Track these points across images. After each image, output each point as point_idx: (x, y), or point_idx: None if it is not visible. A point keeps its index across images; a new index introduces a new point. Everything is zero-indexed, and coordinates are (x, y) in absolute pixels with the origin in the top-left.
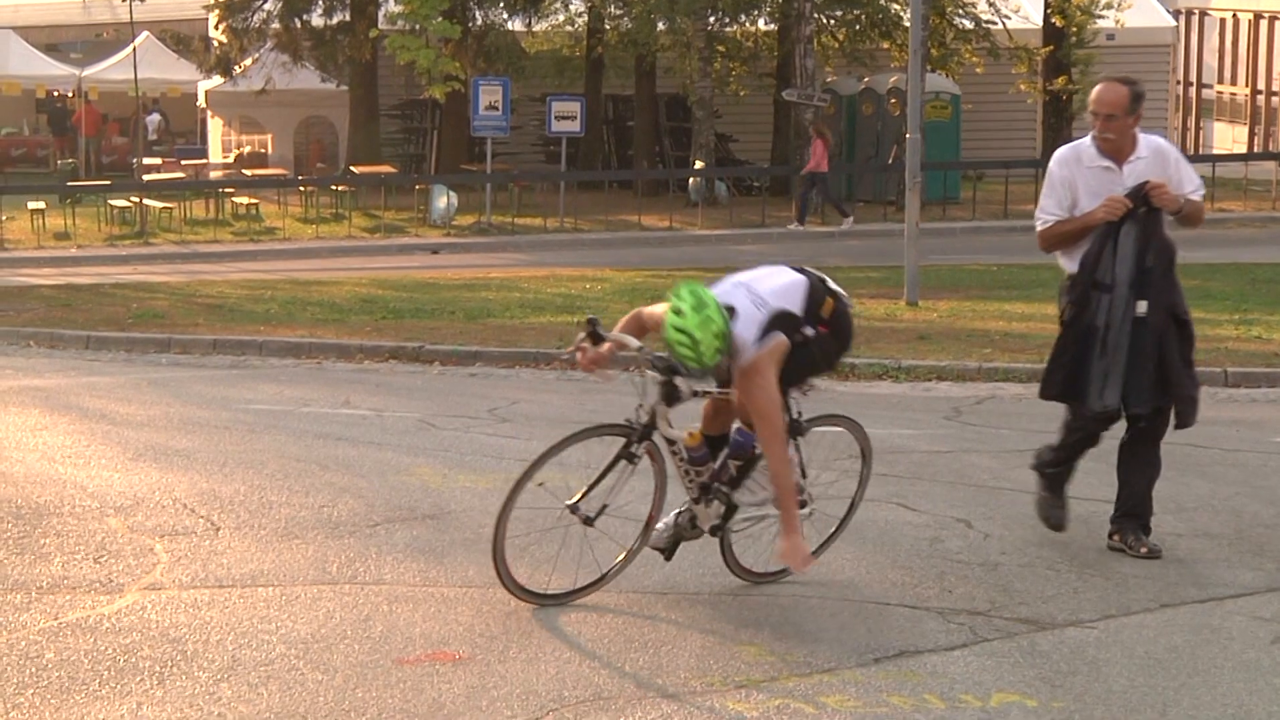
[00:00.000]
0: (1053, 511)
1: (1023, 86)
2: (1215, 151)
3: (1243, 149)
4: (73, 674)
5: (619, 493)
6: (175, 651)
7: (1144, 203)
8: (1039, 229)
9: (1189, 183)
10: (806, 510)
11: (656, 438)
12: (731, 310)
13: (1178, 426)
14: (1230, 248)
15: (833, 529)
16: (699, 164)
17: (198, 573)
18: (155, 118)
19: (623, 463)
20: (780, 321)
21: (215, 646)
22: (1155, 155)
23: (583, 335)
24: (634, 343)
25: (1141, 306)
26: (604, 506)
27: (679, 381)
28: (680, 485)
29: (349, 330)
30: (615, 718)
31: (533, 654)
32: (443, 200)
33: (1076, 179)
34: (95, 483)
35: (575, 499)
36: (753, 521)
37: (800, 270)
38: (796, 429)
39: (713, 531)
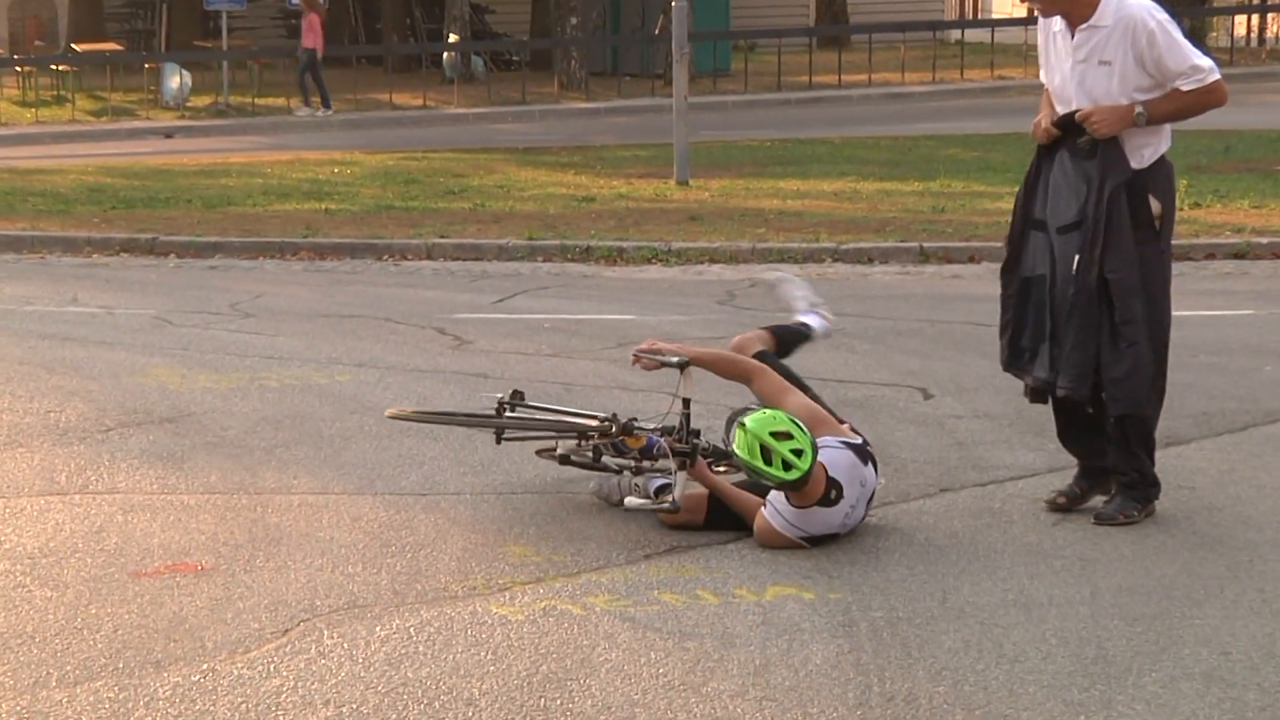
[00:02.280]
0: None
1: None
2: (994, 16)
3: (1023, 13)
4: None
5: None
6: None
7: (1078, 131)
8: None
9: (1174, 66)
10: None
11: None
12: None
13: (1111, 413)
14: (1011, 116)
15: None
16: (453, 38)
17: None
18: None
19: None
20: None
21: None
22: (1120, 28)
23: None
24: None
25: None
26: None
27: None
28: None
29: (75, 222)
30: (370, 627)
31: (281, 562)
32: (175, 80)
33: (1047, 46)
34: None
35: None
36: None
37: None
38: None
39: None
